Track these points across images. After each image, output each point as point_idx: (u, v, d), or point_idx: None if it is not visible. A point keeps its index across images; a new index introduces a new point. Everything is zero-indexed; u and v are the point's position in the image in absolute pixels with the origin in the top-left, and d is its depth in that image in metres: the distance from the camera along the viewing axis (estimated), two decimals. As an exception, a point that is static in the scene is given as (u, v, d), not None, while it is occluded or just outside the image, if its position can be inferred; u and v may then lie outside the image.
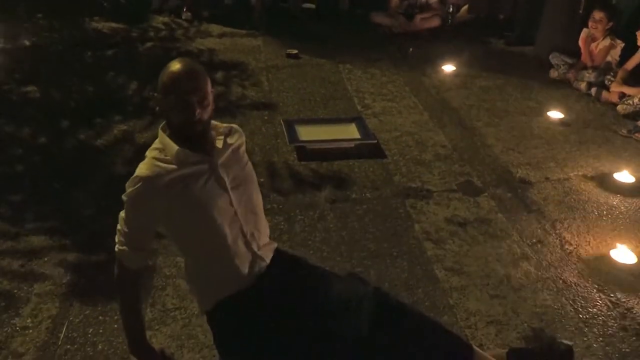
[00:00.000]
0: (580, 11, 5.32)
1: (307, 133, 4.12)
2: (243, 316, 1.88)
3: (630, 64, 4.74)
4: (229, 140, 1.90)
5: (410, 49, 5.91)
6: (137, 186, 1.76)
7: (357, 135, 4.13)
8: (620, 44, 4.96)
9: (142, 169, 1.78)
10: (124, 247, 1.80)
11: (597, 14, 4.98)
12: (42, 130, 4.14)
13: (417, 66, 5.56)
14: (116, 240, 1.83)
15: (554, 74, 5.30)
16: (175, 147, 1.77)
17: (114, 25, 6.43)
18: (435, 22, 6.38)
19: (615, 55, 4.97)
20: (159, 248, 2.89)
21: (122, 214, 1.81)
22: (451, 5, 6.50)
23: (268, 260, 1.95)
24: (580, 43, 5.18)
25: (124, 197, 1.79)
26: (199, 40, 6.08)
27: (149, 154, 1.82)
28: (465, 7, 6.53)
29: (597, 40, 5.06)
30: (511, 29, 6.33)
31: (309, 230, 3.16)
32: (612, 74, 4.86)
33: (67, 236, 3.04)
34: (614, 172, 3.74)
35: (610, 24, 4.97)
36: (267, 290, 1.91)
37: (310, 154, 3.92)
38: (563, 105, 4.69)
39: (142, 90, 4.84)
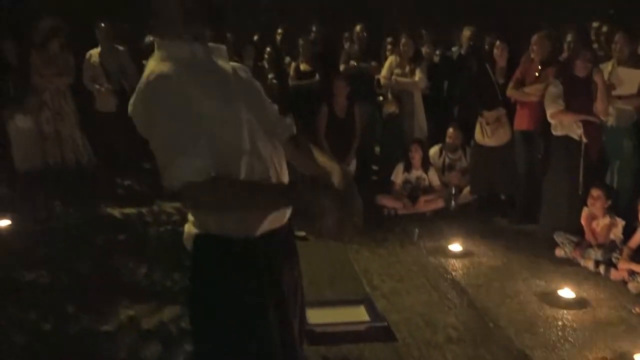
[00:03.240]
0: (580, 192, 5.40)
1: (315, 316, 4.04)
2: (235, 261, 1.86)
3: (634, 242, 4.77)
4: None
5: (416, 230, 6.02)
6: None
7: (366, 318, 4.05)
8: (620, 222, 5.04)
9: None
10: (199, 178, 1.70)
11: (595, 192, 5.14)
12: (47, 316, 4.09)
13: (423, 246, 5.62)
14: (181, 175, 1.70)
15: (560, 252, 5.31)
16: None
17: (126, 210, 6.63)
18: (438, 204, 6.58)
19: (617, 233, 5.03)
20: None
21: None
22: (453, 187, 6.75)
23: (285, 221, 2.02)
24: (583, 221, 5.27)
25: None
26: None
27: None
28: (467, 188, 6.76)
29: (597, 219, 5.16)
30: (513, 208, 6.46)
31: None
32: (618, 251, 4.88)
33: None
34: (635, 352, 3.59)
35: (609, 202, 5.10)
36: (271, 251, 1.94)
37: (319, 338, 3.82)
38: (573, 283, 4.64)
39: (150, 274, 4.86)
